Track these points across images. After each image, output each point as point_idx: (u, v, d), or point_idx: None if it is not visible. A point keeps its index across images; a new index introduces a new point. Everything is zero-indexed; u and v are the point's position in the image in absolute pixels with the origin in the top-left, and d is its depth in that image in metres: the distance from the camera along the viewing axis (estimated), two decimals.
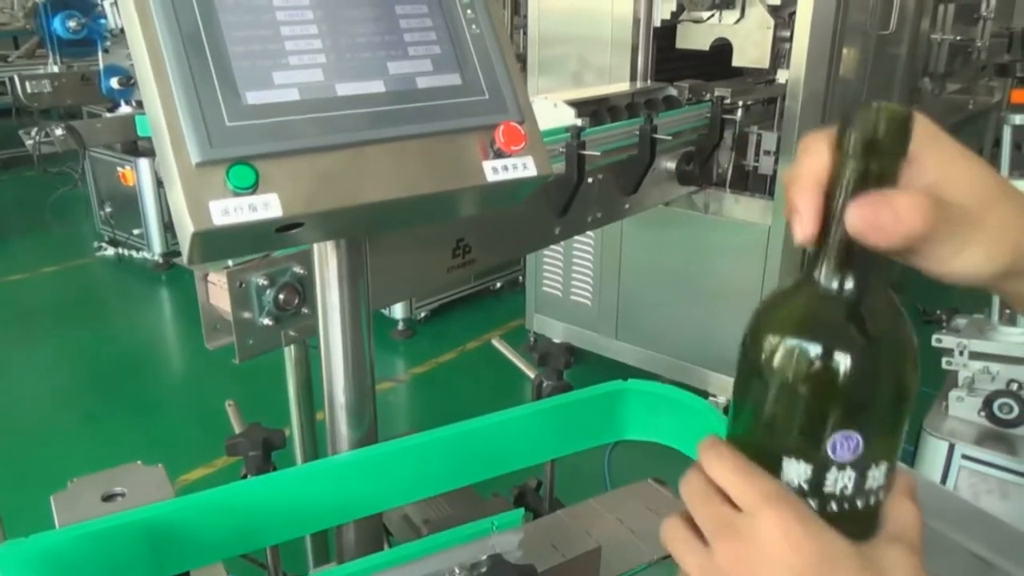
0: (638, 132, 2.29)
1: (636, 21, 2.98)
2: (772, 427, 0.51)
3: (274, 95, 0.68)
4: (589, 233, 3.28)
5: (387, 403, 3.50)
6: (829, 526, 0.49)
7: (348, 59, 0.72)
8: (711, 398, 3.11)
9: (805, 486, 0.50)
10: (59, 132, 3.91)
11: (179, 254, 0.84)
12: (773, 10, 2.74)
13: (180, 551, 0.76)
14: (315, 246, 0.84)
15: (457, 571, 0.82)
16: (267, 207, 0.65)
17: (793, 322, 0.50)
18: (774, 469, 0.50)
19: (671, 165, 2.61)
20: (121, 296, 4.83)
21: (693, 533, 0.54)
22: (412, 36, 0.74)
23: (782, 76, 2.82)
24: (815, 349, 0.48)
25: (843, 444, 0.48)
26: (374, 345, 0.93)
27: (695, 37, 2.91)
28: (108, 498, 0.86)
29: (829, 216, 0.47)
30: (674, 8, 2.91)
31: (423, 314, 4.10)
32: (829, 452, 0.48)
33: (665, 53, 3.07)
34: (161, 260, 4.79)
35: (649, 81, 3.04)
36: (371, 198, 0.70)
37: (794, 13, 2.68)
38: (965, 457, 2.03)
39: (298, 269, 1.42)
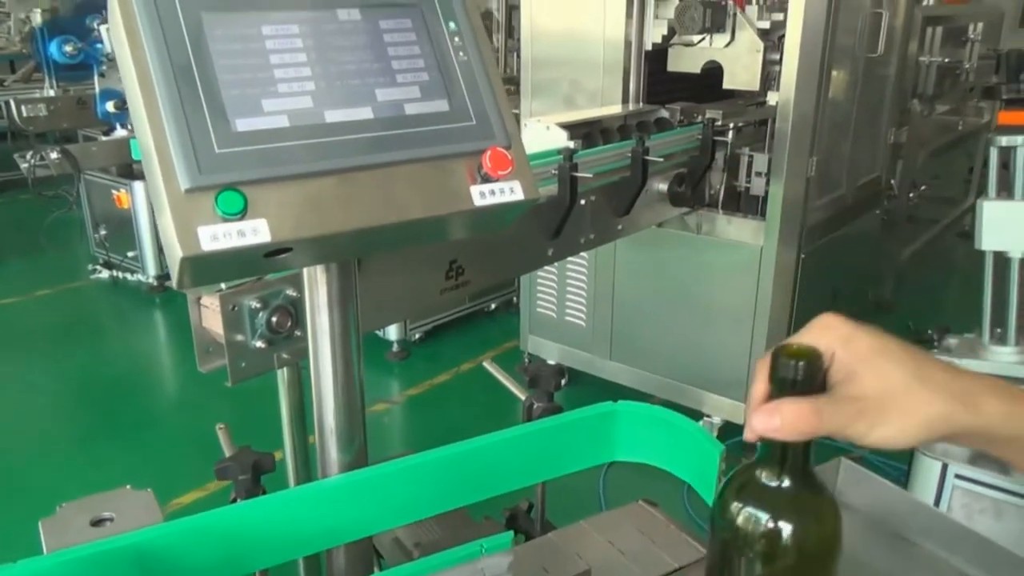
0: (630, 154, 2.31)
1: (628, 44, 3.02)
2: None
3: (263, 122, 0.69)
4: (583, 254, 3.29)
5: (381, 425, 3.49)
6: None
7: (337, 86, 0.73)
8: (705, 418, 3.11)
9: None
10: (54, 155, 3.93)
11: None
12: (763, 33, 2.77)
13: None
14: (305, 270, 0.85)
15: None
16: (255, 232, 0.66)
17: (737, 495, 0.65)
18: None
19: (663, 187, 2.63)
20: (115, 319, 4.82)
21: None
22: (400, 63, 0.76)
23: (772, 98, 2.85)
24: (751, 517, 0.63)
25: None
26: (364, 368, 0.93)
27: (686, 60, 2.94)
28: (97, 523, 0.86)
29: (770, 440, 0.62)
30: (665, 32, 2.94)
31: (418, 335, 4.10)
32: None
33: (657, 76, 3.10)
34: (155, 283, 4.79)
35: (641, 104, 3.07)
36: (359, 223, 0.71)
37: (783, 36, 2.72)
38: (958, 477, 2.03)
39: (291, 292, 1.42)
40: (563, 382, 3.65)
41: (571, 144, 2.38)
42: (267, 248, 0.67)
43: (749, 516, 0.63)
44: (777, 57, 2.78)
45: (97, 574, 0.72)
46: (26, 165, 4.05)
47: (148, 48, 0.66)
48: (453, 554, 0.83)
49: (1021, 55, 2.16)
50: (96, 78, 4.68)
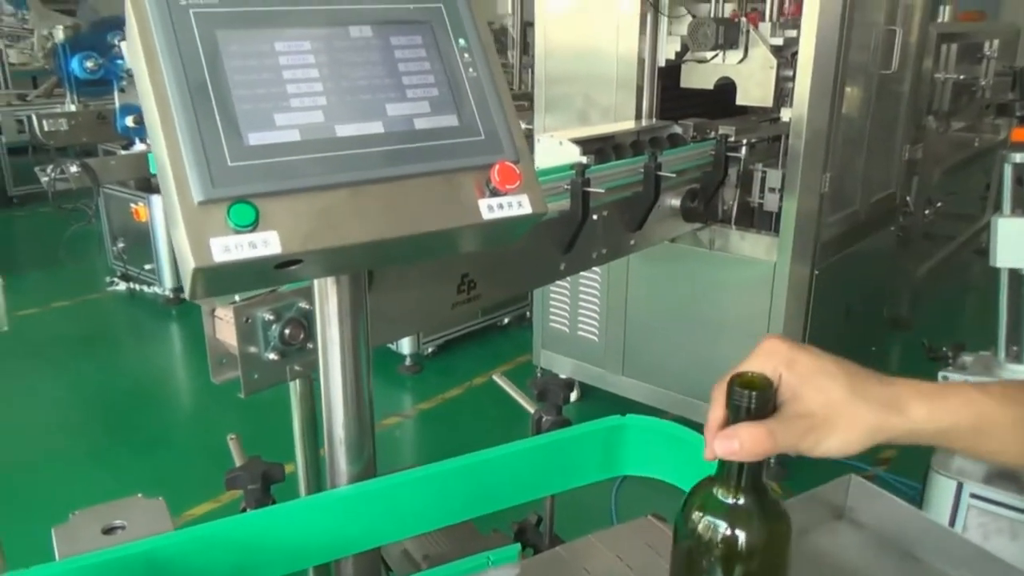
0: (643, 169, 2.31)
1: (641, 61, 3.03)
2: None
3: (275, 136, 0.70)
4: (596, 269, 3.29)
5: (393, 438, 3.49)
6: None
7: (348, 101, 0.74)
8: None
9: None
10: (74, 169, 3.98)
11: None
12: (776, 50, 2.78)
13: None
14: (316, 282, 0.86)
15: None
16: (266, 244, 0.67)
17: (700, 507, 0.72)
18: None
19: (676, 202, 2.63)
20: (131, 330, 4.86)
21: None
22: (410, 79, 0.77)
23: (786, 114, 2.85)
24: (709, 525, 0.70)
25: None
26: (376, 381, 0.94)
27: (699, 76, 2.95)
28: (108, 531, 0.87)
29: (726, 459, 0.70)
30: (678, 48, 2.96)
31: (430, 349, 4.11)
32: None
33: (670, 92, 3.11)
34: (171, 295, 4.83)
35: (654, 119, 3.08)
36: (368, 236, 0.72)
37: (796, 53, 2.72)
38: (974, 496, 2.01)
39: (304, 304, 1.43)
40: (575, 397, 3.62)
41: (583, 159, 2.39)
42: (277, 260, 0.69)
43: (707, 525, 0.70)
44: (790, 73, 2.78)
45: None
46: (46, 179, 4.11)
47: (164, 64, 0.68)
48: (460, 566, 0.84)
49: None
50: (116, 93, 4.74)
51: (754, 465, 0.69)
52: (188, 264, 0.66)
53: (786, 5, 2.88)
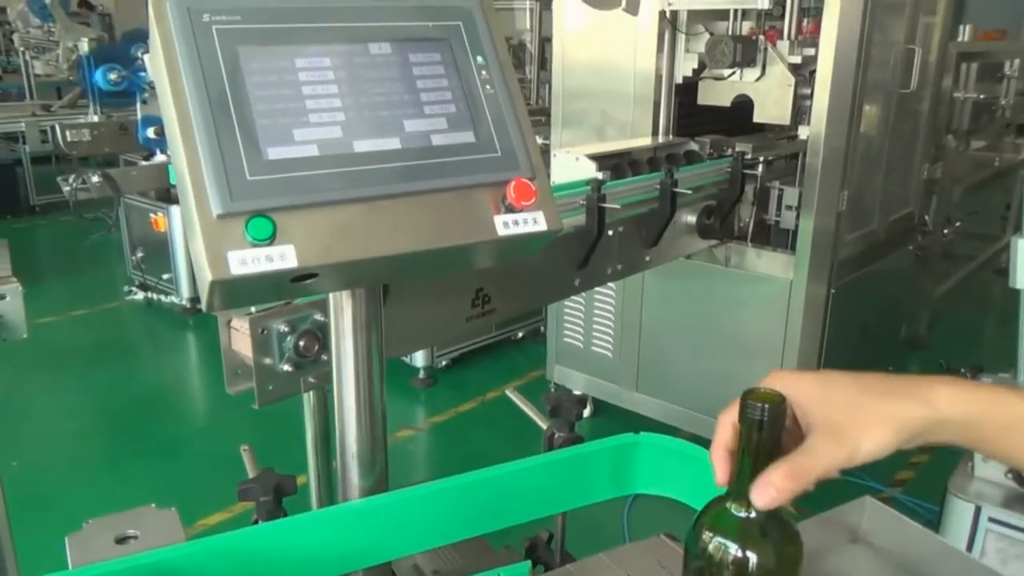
0: (659, 186, 2.32)
1: (658, 77, 3.04)
2: None
3: (294, 151, 0.71)
4: (611, 285, 3.29)
5: (406, 452, 3.49)
6: None
7: (366, 117, 0.75)
8: None
9: None
10: (95, 179, 4.03)
11: None
12: (794, 68, 2.77)
13: None
14: (331, 295, 0.87)
15: None
16: (283, 258, 0.68)
17: (711, 527, 0.71)
18: None
19: (692, 219, 2.62)
20: (148, 339, 4.90)
21: None
22: (428, 96, 0.77)
23: (803, 132, 2.84)
24: (724, 547, 0.70)
25: None
26: (389, 394, 0.94)
27: (716, 94, 2.95)
28: (121, 540, 0.87)
29: (740, 463, 0.69)
30: (696, 65, 2.96)
31: (444, 362, 4.11)
32: None
33: (687, 108, 3.11)
34: (189, 304, 4.87)
35: (671, 136, 3.08)
36: (384, 251, 0.72)
37: (814, 71, 2.72)
38: (992, 520, 1.98)
39: (319, 316, 1.44)
40: (588, 412, 3.60)
41: (599, 175, 2.39)
42: (293, 273, 0.69)
43: (719, 546, 0.70)
44: (808, 92, 2.78)
45: None
46: (68, 188, 4.16)
47: (186, 78, 0.69)
48: None
49: None
50: (138, 105, 4.81)
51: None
52: (205, 277, 0.67)
53: (804, 24, 2.88)
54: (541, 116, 4.28)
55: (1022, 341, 2.16)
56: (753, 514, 0.69)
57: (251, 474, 1.06)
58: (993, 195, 5.29)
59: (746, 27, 2.89)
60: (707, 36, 2.86)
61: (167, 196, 4.78)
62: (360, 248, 0.71)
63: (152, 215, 4.82)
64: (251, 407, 1.40)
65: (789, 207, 2.87)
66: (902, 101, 3.15)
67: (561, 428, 1.10)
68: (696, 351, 3.17)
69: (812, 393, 0.69)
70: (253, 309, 1.36)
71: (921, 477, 3.12)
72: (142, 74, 4.70)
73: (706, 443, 0.95)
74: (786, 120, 2.82)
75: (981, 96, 3.94)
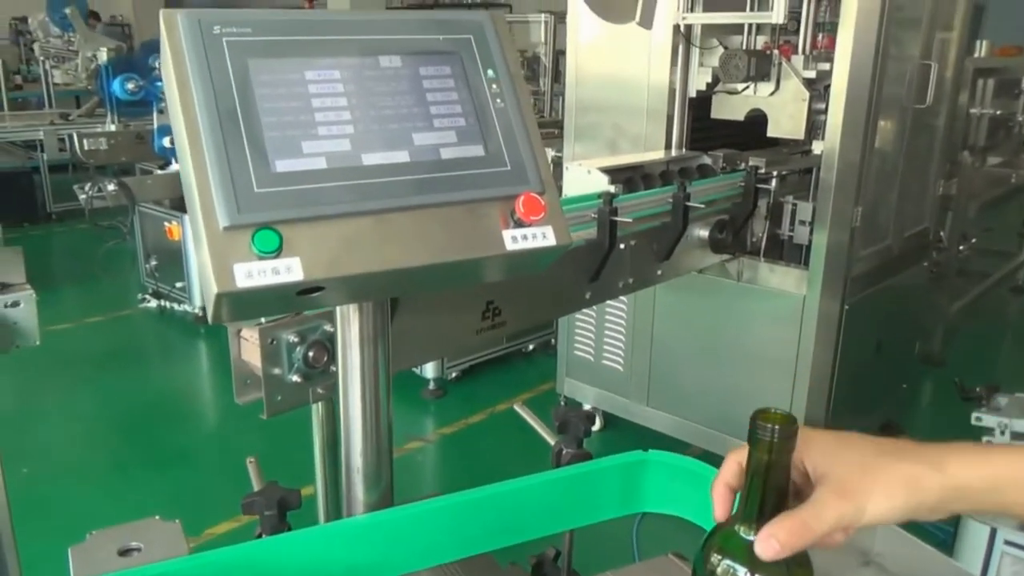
0: (671, 200, 2.31)
1: (672, 91, 3.03)
2: None
3: (302, 163, 0.71)
4: (622, 298, 3.27)
5: (414, 463, 3.48)
6: None
7: (375, 130, 0.74)
8: None
9: None
10: (111, 187, 4.06)
11: None
12: (808, 82, 2.76)
13: None
14: (338, 308, 0.86)
15: None
16: (289, 271, 0.67)
17: (720, 550, 0.70)
18: None
19: (704, 233, 2.61)
20: (160, 347, 4.92)
21: None
22: (438, 109, 0.77)
23: (817, 147, 2.83)
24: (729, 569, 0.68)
25: None
26: (396, 404, 0.93)
27: (730, 108, 2.94)
28: (124, 552, 0.86)
29: (748, 486, 0.68)
30: (710, 79, 2.95)
31: (454, 374, 4.10)
32: None
33: (700, 122, 3.10)
34: (201, 313, 4.88)
35: (684, 149, 3.07)
36: (391, 264, 0.72)
37: (829, 86, 2.71)
38: (1008, 543, 1.95)
39: (328, 327, 1.43)
40: (598, 426, 3.57)
41: (612, 188, 2.39)
42: (299, 287, 0.69)
43: (727, 568, 0.68)
44: (823, 106, 2.76)
45: None
46: (84, 196, 4.19)
47: (195, 90, 0.69)
48: None
49: None
50: (155, 114, 4.84)
51: (777, 504, 0.67)
52: (211, 289, 0.66)
53: (819, 38, 2.87)
54: (554, 129, 4.28)
55: None
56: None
57: (256, 486, 1.05)
58: (1009, 212, 5.25)
59: (760, 41, 2.89)
60: (721, 50, 2.86)
61: (181, 205, 4.77)
62: (367, 262, 0.71)
63: (166, 223, 4.85)
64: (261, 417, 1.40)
65: (803, 222, 2.86)
66: (917, 116, 3.13)
67: (569, 444, 1.09)
68: (708, 366, 3.14)
69: (825, 450, 0.69)
70: (263, 319, 1.36)
71: None
72: (159, 84, 4.73)
73: (717, 458, 0.94)
74: (800, 135, 2.81)
75: (998, 112, 3.91)
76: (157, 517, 0.92)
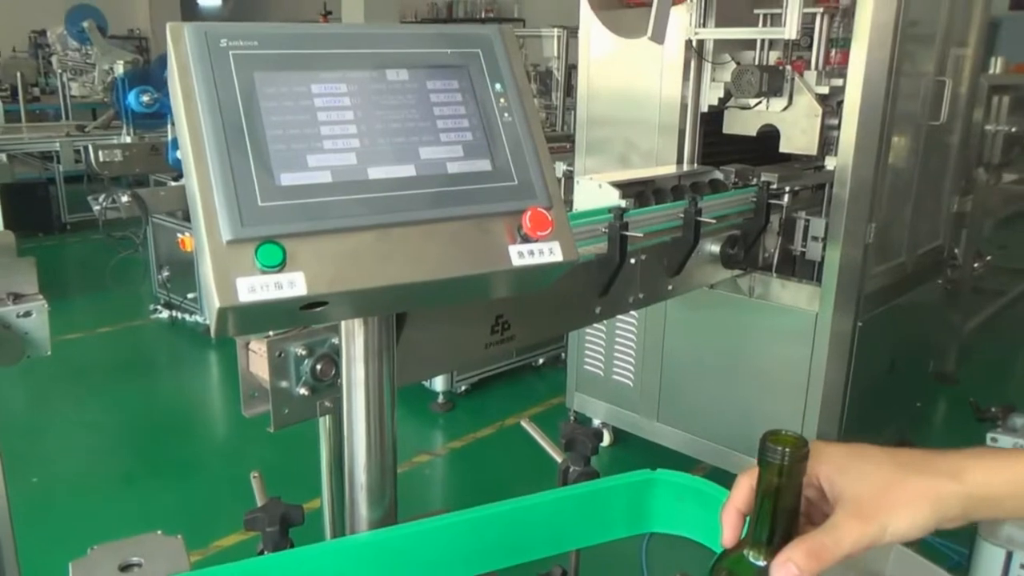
0: (683, 215, 2.29)
1: (684, 106, 3.02)
2: None
3: (307, 177, 0.70)
4: (632, 313, 3.26)
5: (422, 476, 3.46)
6: None
7: (381, 144, 0.74)
8: None
9: None
10: (124, 199, 4.09)
11: None
12: (821, 98, 2.75)
13: None
14: (343, 322, 0.85)
15: None
16: (292, 285, 0.67)
17: (729, 574, 0.69)
18: None
19: (716, 248, 2.59)
20: (171, 358, 4.93)
21: None
22: (445, 123, 0.76)
23: (830, 163, 2.81)
24: None
25: None
26: (405, 418, 0.92)
27: (742, 123, 2.93)
28: (125, 567, 0.86)
29: (758, 509, 0.66)
30: (721, 95, 2.95)
31: (463, 387, 4.09)
32: None
33: (712, 137, 3.09)
34: None
35: (695, 164, 3.06)
36: (395, 279, 0.71)
37: (842, 102, 2.69)
38: None
39: (336, 340, 1.43)
40: (608, 441, 3.54)
41: (623, 202, 2.38)
42: (302, 301, 0.68)
43: None
44: (836, 122, 2.75)
45: None
46: (98, 207, 4.22)
47: (201, 102, 0.69)
48: None
49: None
50: (169, 126, 4.88)
51: (787, 528, 0.66)
52: (213, 303, 0.66)
53: (832, 54, 2.86)
54: (566, 143, 4.28)
55: None
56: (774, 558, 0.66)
57: (259, 502, 1.04)
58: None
59: (773, 57, 2.88)
60: (733, 65, 2.85)
61: None
62: (371, 276, 0.70)
63: (179, 235, 4.87)
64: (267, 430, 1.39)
65: (815, 238, 2.84)
66: (932, 133, 3.11)
67: (576, 462, 1.07)
68: (719, 382, 3.12)
69: (840, 465, 0.67)
70: (271, 332, 1.36)
71: None
72: None
73: (727, 476, 0.92)
74: (813, 150, 2.79)
75: (1013, 129, 3.88)
76: (159, 532, 0.91)
